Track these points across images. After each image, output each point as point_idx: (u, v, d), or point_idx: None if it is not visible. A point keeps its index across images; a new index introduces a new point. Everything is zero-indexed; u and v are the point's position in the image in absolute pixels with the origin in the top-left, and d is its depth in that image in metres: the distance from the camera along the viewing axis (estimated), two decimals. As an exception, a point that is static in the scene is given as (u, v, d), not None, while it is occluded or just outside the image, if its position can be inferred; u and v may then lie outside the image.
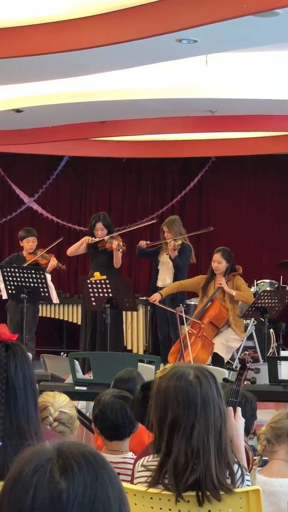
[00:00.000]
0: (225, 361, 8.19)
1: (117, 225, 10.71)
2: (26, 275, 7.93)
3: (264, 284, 10.11)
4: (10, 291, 8.06)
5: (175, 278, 8.95)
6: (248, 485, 2.54)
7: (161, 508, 2.45)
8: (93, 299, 7.77)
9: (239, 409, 2.95)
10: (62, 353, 10.32)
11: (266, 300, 8.03)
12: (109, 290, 7.68)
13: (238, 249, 10.46)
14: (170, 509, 2.43)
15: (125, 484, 2.43)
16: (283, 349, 10.06)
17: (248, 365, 3.34)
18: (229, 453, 2.44)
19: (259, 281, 10.17)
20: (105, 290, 7.69)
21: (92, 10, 5.95)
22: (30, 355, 2.34)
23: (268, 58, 7.26)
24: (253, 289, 9.47)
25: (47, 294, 7.97)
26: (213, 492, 2.36)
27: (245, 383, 3.39)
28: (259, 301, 7.98)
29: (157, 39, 5.74)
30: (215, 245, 8.94)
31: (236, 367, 6.37)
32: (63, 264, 9.02)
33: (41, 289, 7.94)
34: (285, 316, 9.12)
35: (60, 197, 12.23)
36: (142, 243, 9.11)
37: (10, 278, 7.98)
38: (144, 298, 8.77)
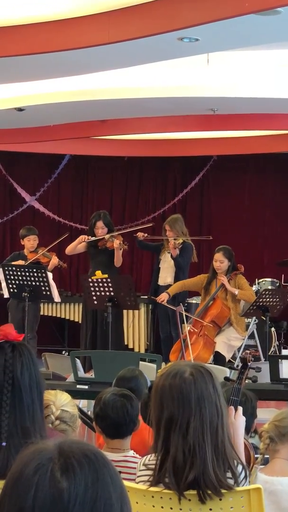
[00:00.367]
0: (227, 360, 8.19)
1: (118, 224, 10.72)
2: (27, 273, 7.93)
3: (266, 283, 10.11)
4: (11, 290, 8.06)
5: (176, 277, 8.95)
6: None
7: (162, 507, 2.45)
8: (94, 297, 7.77)
9: (240, 408, 2.95)
10: (63, 352, 10.32)
11: (268, 299, 8.03)
12: (111, 289, 7.68)
13: (239, 247, 10.45)
14: (171, 508, 2.43)
15: (126, 483, 2.43)
16: (285, 348, 10.07)
17: (249, 364, 3.34)
18: (229, 450, 2.44)
19: (260, 280, 10.16)
20: (106, 289, 7.69)
21: (93, 8, 5.95)
22: None
23: (269, 57, 7.25)
24: (254, 288, 9.47)
25: (48, 293, 7.98)
26: (213, 489, 2.36)
27: (246, 381, 3.39)
28: (261, 300, 7.98)
29: (159, 37, 5.74)
30: (216, 244, 8.94)
31: (237, 366, 6.38)
32: (64, 262, 9.02)
33: (43, 288, 7.94)
34: (287, 314, 9.11)
35: (61, 195, 12.23)
36: (140, 235, 9.10)
37: (12, 277, 7.99)
38: (152, 298, 8.73)
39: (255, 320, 8.87)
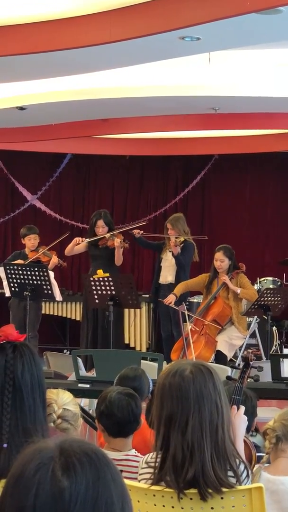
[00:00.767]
0: (228, 359, 8.19)
1: (119, 223, 10.71)
2: (29, 272, 7.93)
3: (267, 282, 10.11)
4: (13, 289, 8.06)
5: (177, 276, 8.95)
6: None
7: (164, 506, 2.46)
8: (96, 296, 7.77)
9: (242, 408, 2.95)
10: (65, 351, 10.32)
11: (269, 298, 8.03)
12: (112, 288, 7.68)
13: (240, 246, 10.46)
14: (173, 506, 2.44)
15: (127, 482, 2.44)
16: (286, 347, 10.07)
17: (251, 363, 3.34)
18: (230, 449, 2.44)
19: (262, 279, 10.17)
20: (108, 288, 7.69)
21: (94, 8, 5.95)
22: None
23: (271, 56, 7.25)
24: (256, 287, 9.47)
25: (50, 292, 7.98)
26: (213, 487, 2.36)
27: (248, 380, 3.40)
28: (262, 299, 7.99)
29: (160, 36, 5.74)
30: (217, 243, 8.94)
31: (238, 364, 6.38)
32: (64, 261, 9.02)
33: (44, 287, 7.95)
34: (288, 313, 9.13)
35: (63, 194, 12.23)
36: (135, 232, 9.10)
37: (13, 276, 7.99)
38: (159, 300, 8.71)
39: (256, 319, 8.88)
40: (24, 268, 7.99)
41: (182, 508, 2.42)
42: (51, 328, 11.27)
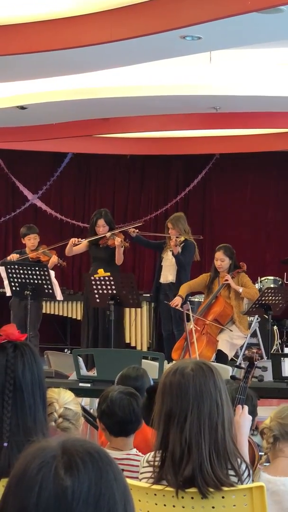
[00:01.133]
0: (229, 358, 8.19)
1: (120, 222, 10.71)
2: (29, 272, 7.93)
3: (268, 281, 10.11)
4: (14, 288, 8.06)
5: (178, 275, 8.95)
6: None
7: (165, 505, 2.46)
8: (97, 296, 7.77)
9: (245, 407, 2.94)
10: (66, 350, 10.32)
11: (270, 297, 8.03)
12: (113, 287, 7.68)
13: (242, 246, 10.46)
14: (174, 506, 2.44)
15: (129, 481, 2.43)
16: (287, 346, 10.07)
17: (256, 363, 3.34)
18: (230, 448, 2.44)
19: (263, 278, 10.16)
20: (109, 287, 7.69)
21: (95, 7, 5.95)
22: None
23: (272, 55, 7.25)
24: (257, 286, 9.46)
25: (51, 291, 7.98)
26: (213, 486, 2.36)
27: (252, 380, 3.40)
28: (263, 298, 7.99)
29: (161, 36, 5.74)
30: (218, 242, 8.94)
31: (240, 364, 6.38)
32: (63, 260, 9.01)
33: (45, 286, 7.95)
34: (289, 313, 9.12)
35: (63, 194, 12.23)
36: (131, 231, 9.10)
37: (14, 275, 7.99)
38: (165, 302, 8.71)
39: (257, 319, 8.87)
40: (25, 268, 7.99)
41: (183, 507, 2.42)
42: (52, 328, 11.27)
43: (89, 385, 5.55)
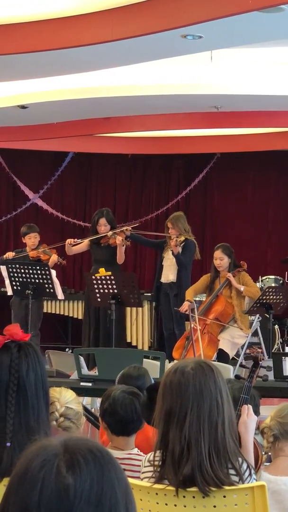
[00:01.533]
0: (230, 358, 8.19)
1: (122, 221, 10.71)
2: (31, 271, 7.93)
3: (269, 280, 10.11)
4: (15, 287, 8.06)
5: (179, 275, 8.95)
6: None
7: (166, 504, 2.46)
8: (98, 295, 7.77)
9: (250, 407, 2.94)
10: (67, 349, 10.33)
11: (271, 296, 8.03)
12: (114, 286, 7.68)
13: (242, 245, 10.46)
14: (175, 505, 2.44)
15: (130, 480, 2.43)
16: (288, 345, 10.07)
17: (261, 362, 3.34)
18: (231, 448, 2.44)
19: (264, 277, 10.16)
20: (110, 286, 7.69)
21: (96, 6, 5.95)
22: None
23: (273, 54, 7.25)
24: (258, 285, 9.47)
25: (52, 290, 7.97)
26: (213, 484, 2.36)
27: (256, 379, 3.40)
28: (264, 297, 7.99)
29: (162, 35, 5.74)
30: (219, 241, 8.94)
31: (241, 363, 6.38)
32: (64, 259, 9.01)
33: (46, 285, 7.94)
34: (290, 312, 9.12)
35: (65, 193, 12.23)
36: (124, 230, 9.09)
37: (15, 275, 7.99)
38: (175, 309, 8.71)
39: (258, 318, 8.88)
40: (26, 267, 7.99)
41: (185, 506, 2.42)
42: (53, 327, 11.27)
43: (90, 384, 5.55)
